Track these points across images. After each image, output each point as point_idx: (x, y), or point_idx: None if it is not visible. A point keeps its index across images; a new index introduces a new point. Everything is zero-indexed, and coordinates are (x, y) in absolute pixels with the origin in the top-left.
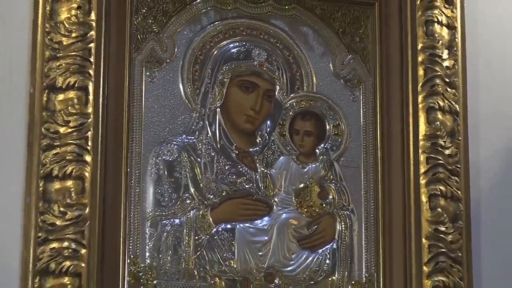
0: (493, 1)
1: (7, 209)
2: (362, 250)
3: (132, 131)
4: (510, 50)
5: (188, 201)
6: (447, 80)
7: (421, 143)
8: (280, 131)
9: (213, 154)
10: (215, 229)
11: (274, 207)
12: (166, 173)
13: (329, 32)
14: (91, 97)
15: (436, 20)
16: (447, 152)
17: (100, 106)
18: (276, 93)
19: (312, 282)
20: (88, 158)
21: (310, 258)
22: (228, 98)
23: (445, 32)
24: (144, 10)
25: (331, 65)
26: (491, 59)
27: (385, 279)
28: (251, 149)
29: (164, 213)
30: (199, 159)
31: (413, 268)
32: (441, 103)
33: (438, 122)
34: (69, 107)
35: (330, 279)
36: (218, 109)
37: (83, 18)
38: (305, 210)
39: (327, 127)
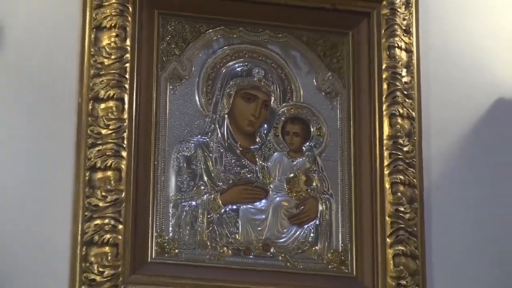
0: (442, 31)
1: (61, 194)
2: (339, 226)
3: (158, 133)
4: (454, 69)
5: (202, 188)
6: (405, 92)
7: (385, 142)
8: (275, 132)
9: (222, 150)
10: (223, 210)
11: (270, 192)
12: (185, 165)
13: (313, 55)
14: (126, 106)
15: (397, 45)
16: (405, 149)
17: (134, 113)
18: (272, 102)
19: (299, 251)
20: (124, 153)
21: (298, 232)
22: (233, 107)
23: (404, 55)
24: (168, 38)
25: (314, 81)
26: (439, 76)
27: (357, 248)
28: (251, 147)
29: (183, 197)
30: (211, 155)
31: (379, 240)
32: (401, 111)
33: (398, 125)
34: (109, 114)
35: (313, 248)
36: (226, 115)
37: (120, 44)
38: (294, 194)
39: (311, 129)
